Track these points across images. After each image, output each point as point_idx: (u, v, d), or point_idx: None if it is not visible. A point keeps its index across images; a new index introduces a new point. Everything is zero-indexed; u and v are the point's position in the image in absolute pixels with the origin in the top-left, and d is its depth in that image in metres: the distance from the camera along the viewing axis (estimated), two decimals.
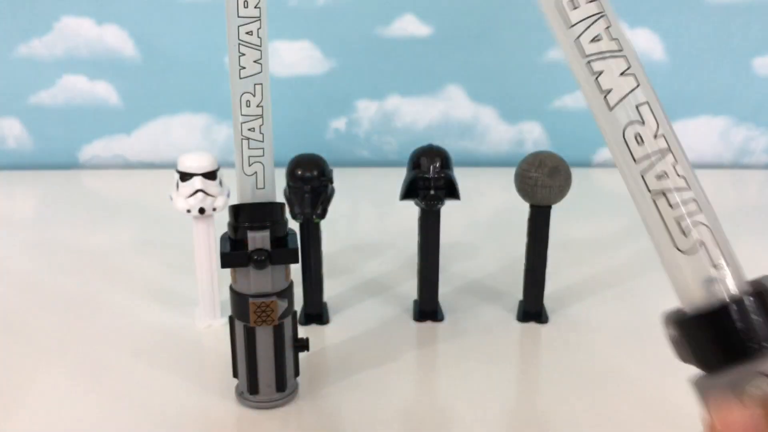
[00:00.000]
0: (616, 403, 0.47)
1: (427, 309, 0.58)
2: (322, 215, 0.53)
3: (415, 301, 0.59)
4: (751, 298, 0.23)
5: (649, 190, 0.25)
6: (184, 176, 0.52)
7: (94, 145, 0.99)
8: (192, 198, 0.52)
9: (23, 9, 0.92)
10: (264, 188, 0.43)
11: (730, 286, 0.24)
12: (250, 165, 0.43)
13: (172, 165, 0.54)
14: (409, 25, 0.93)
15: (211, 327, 0.56)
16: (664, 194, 0.24)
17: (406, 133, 0.98)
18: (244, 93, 0.42)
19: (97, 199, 0.90)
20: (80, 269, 0.66)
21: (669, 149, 0.24)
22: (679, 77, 0.96)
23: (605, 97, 0.25)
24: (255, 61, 0.42)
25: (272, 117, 0.44)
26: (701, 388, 0.24)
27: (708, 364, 0.23)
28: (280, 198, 0.52)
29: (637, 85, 0.25)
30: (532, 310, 0.57)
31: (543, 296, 0.57)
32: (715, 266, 0.24)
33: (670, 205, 0.24)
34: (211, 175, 0.52)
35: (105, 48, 0.93)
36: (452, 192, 0.53)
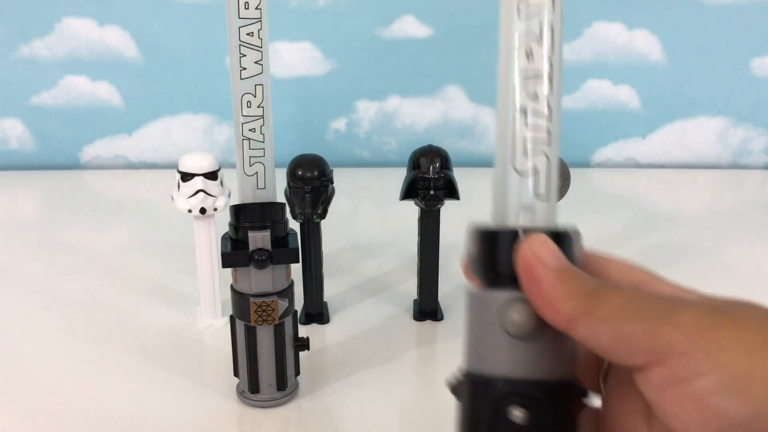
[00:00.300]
0: None
1: (427, 308, 0.58)
2: (323, 215, 0.53)
3: (415, 301, 0.59)
4: (550, 236, 0.23)
5: (516, 103, 0.25)
6: (186, 176, 0.52)
7: (95, 145, 0.99)
8: (193, 198, 0.52)
9: (25, 10, 0.92)
10: (265, 188, 0.44)
11: (539, 219, 0.25)
12: (250, 165, 0.43)
13: (173, 165, 0.54)
14: (409, 26, 0.93)
15: (212, 326, 0.56)
16: (525, 112, 0.25)
17: (406, 134, 0.99)
18: (245, 94, 0.43)
19: (99, 199, 0.90)
20: (82, 269, 0.66)
21: (551, 78, 0.25)
22: (678, 78, 0.96)
23: (519, 4, 0.27)
24: (256, 62, 0.42)
25: (273, 117, 0.44)
26: (471, 298, 0.25)
27: (489, 280, 0.24)
28: (280, 198, 0.52)
29: (553, 8, 0.27)
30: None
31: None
32: (537, 196, 0.24)
33: (526, 125, 0.25)
34: (212, 176, 0.52)
35: (106, 49, 0.94)
36: (452, 192, 0.53)
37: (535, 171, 0.25)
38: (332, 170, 0.54)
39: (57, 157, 0.99)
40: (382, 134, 0.99)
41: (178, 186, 0.53)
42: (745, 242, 0.74)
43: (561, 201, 0.54)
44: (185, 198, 0.52)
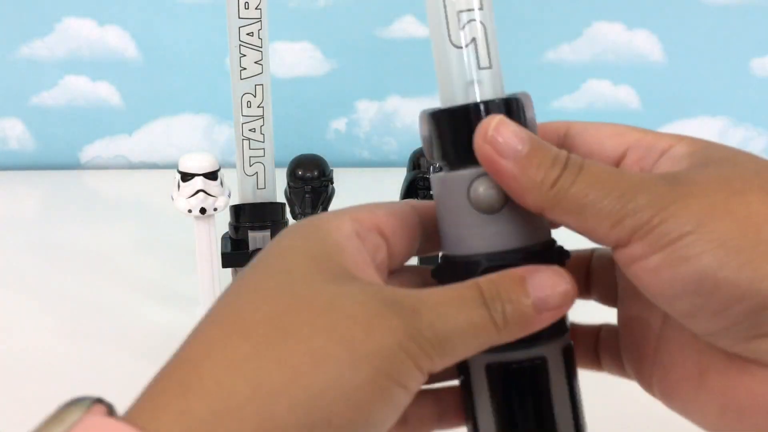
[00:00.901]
0: (616, 402, 0.47)
1: None
2: None
3: None
4: (501, 105, 0.23)
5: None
6: (186, 176, 0.52)
7: (95, 145, 0.99)
8: (193, 198, 0.52)
9: (25, 10, 0.92)
10: (265, 188, 0.44)
11: (486, 89, 0.24)
12: (251, 165, 0.43)
13: (173, 165, 0.54)
14: (409, 26, 0.93)
15: None
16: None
17: (406, 134, 0.99)
18: (245, 94, 0.43)
19: (99, 199, 0.90)
20: (82, 269, 0.66)
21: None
22: (678, 78, 0.96)
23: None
24: (256, 62, 0.42)
25: (273, 117, 0.44)
26: (436, 183, 0.24)
27: (450, 161, 0.24)
28: (280, 198, 0.52)
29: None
30: None
31: None
32: (479, 67, 0.24)
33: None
34: (212, 176, 0.52)
35: (107, 49, 0.94)
36: None
37: (473, 40, 0.24)
38: (332, 170, 0.54)
39: (57, 157, 0.99)
40: (382, 134, 0.99)
41: (178, 186, 0.53)
42: None
43: None
44: (185, 198, 0.52)
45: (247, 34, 0.42)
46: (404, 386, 0.20)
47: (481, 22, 0.24)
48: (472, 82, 0.24)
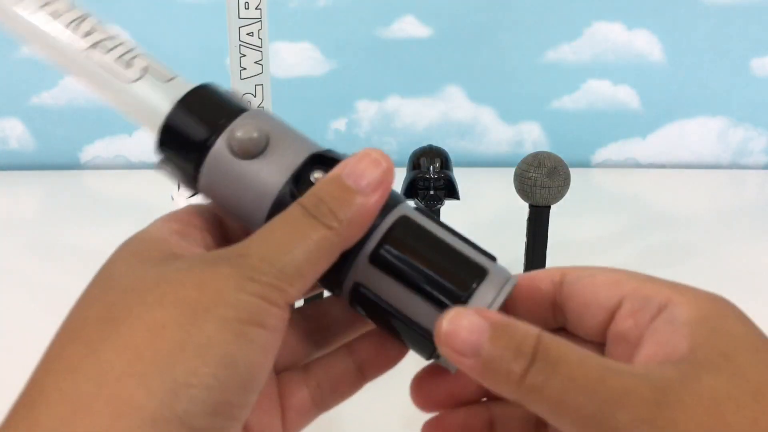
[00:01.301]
0: None
1: None
2: None
3: None
4: (186, 99, 0.25)
5: (82, 49, 0.26)
6: None
7: (95, 145, 0.99)
8: (193, 198, 0.52)
9: None
10: None
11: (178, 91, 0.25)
12: None
13: None
14: (409, 26, 0.93)
15: None
16: (97, 45, 0.26)
17: (406, 134, 0.99)
18: (245, 94, 0.43)
19: (99, 199, 0.90)
20: (82, 269, 0.66)
21: (87, 17, 0.27)
22: (678, 78, 0.96)
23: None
24: (256, 62, 0.42)
25: None
26: (206, 176, 0.25)
27: (199, 155, 0.25)
28: None
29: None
30: None
31: None
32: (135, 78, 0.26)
33: (108, 50, 0.26)
34: None
35: None
36: (452, 192, 0.53)
37: (146, 69, 0.26)
38: None
39: (57, 157, 0.99)
40: (382, 134, 0.99)
41: (178, 186, 0.53)
42: (745, 242, 0.74)
43: (561, 201, 0.55)
44: (185, 198, 0.52)
45: (247, 34, 0.42)
46: (261, 325, 0.20)
47: (142, 54, 0.27)
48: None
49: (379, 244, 0.23)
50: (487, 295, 0.23)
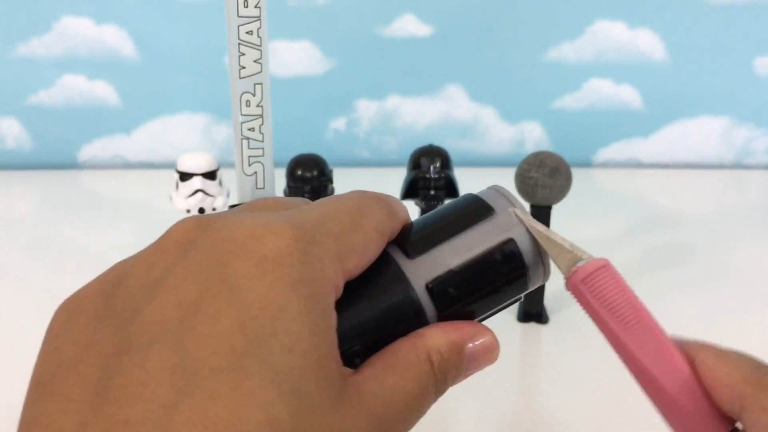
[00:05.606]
0: (618, 403, 0.47)
1: None
2: None
3: None
4: None
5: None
6: (184, 176, 0.52)
7: (93, 145, 0.98)
8: (192, 198, 0.52)
9: (22, 9, 0.91)
10: (264, 188, 0.43)
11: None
12: (249, 165, 0.43)
13: (171, 165, 0.53)
14: (409, 25, 0.93)
15: None
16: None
17: (406, 133, 0.98)
18: (244, 93, 0.42)
19: (97, 199, 0.90)
20: (79, 269, 0.66)
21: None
22: (680, 77, 0.95)
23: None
24: (255, 61, 0.42)
25: (272, 117, 0.43)
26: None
27: None
28: None
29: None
30: (533, 310, 0.57)
31: (543, 297, 0.57)
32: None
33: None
34: (210, 175, 0.52)
35: (104, 48, 0.93)
36: (452, 192, 0.53)
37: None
38: (332, 170, 0.53)
39: (54, 157, 0.98)
40: (382, 134, 0.98)
41: (177, 186, 0.52)
42: (749, 242, 0.74)
43: (563, 201, 0.54)
44: (184, 198, 0.52)
45: (246, 32, 0.41)
46: None
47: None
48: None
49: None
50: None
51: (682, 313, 0.56)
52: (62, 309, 0.21)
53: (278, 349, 0.18)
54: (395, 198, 0.25)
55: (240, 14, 0.41)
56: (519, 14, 0.92)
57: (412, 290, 0.23)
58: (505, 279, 0.24)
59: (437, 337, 0.23)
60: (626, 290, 0.24)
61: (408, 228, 0.24)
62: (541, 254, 0.25)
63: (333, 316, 0.20)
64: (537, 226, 0.25)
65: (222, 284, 0.18)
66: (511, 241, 0.24)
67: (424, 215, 0.25)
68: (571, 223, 0.73)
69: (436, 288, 0.23)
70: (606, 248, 0.71)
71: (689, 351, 0.23)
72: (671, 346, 0.23)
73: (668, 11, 0.92)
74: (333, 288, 0.20)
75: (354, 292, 0.22)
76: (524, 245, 0.24)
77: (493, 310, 0.25)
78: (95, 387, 0.17)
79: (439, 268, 0.23)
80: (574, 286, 0.24)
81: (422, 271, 0.23)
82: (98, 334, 0.19)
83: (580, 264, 0.24)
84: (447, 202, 0.26)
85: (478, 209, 0.24)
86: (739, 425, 0.23)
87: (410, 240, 0.23)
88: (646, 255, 0.69)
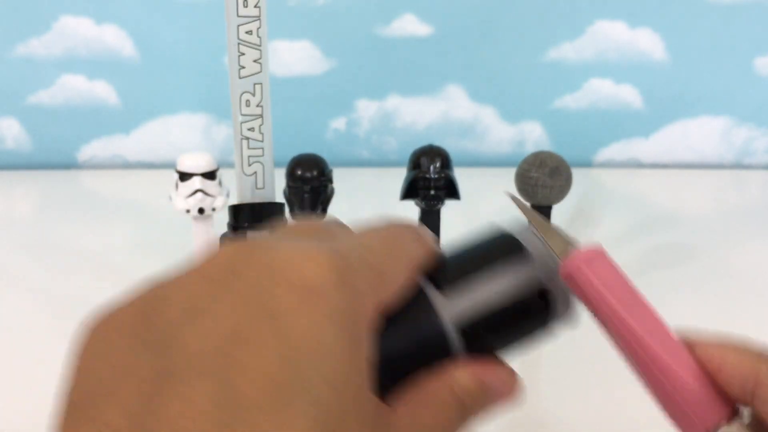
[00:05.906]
0: (618, 403, 0.46)
1: None
2: (322, 215, 0.53)
3: None
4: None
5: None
6: (184, 176, 0.51)
7: (92, 145, 0.98)
8: (191, 198, 0.51)
9: (22, 9, 0.91)
10: (263, 188, 0.43)
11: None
12: (249, 165, 0.43)
13: (171, 165, 0.53)
14: (409, 25, 0.93)
15: None
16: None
17: (406, 133, 0.98)
18: (244, 93, 0.42)
19: (96, 199, 0.90)
20: (79, 269, 0.66)
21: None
22: (681, 77, 0.95)
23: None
24: (254, 61, 0.42)
25: (272, 117, 0.43)
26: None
27: None
28: (279, 198, 0.51)
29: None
30: None
31: None
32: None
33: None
34: (210, 175, 0.52)
35: (104, 48, 0.93)
36: (452, 192, 0.53)
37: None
38: (332, 170, 0.53)
39: (54, 157, 0.98)
40: (382, 134, 0.98)
41: (176, 186, 0.52)
42: (749, 242, 0.74)
43: (563, 201, 0.54)
44: (183, 198, 0.52)
45: (246, 32, 0.41)
46: None
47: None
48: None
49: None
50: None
51: (682, 313, 0.56)
52: (97, 328, 0.21)
53: (318, 381, 0.18)
54: (424, 227, 0.26)
55: (240, 14, 0.41)
56: (519, 14, 0.92)
57: (446, 330, 0.23)
58: (534, 326, 0.25)
59: (467, 378, 0.23)
60: (623, 274, 0.25)
61: (440, 260, 0.24)
62: (570, 302, 0.25)
63: (369, 347, 0.20)
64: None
65: (264, 315, 0.18)
66: (548, 292, 0.24)
67: (453, 246, 0.25)
68: (572, 223, 0.73)
69: (469, 330, 0.23)
70: (606, 248, 0.71)
71: (687, 339, 0.24)
72: (670, 329, 0.24)
73: (668, 11, 0.92)
74: (370, 319, 0.20)
75: (387, 324, 0.22)
76: (560, 297, 0.25)
77: (516, 349, 0.26)
78: (136, 415, 0.17)
79: (474, 312, 0.23)
80: (576, 267, 0.24)
81: (457, 311, 0.23)
82: (138, 359, 0.19)
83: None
84: (476, 235, 0.26)
85: (513, 251, 0.25)
86: (739, 407, 0.23)
87: (444, 276, 0.24)
88: (646, 255, 0.69)
